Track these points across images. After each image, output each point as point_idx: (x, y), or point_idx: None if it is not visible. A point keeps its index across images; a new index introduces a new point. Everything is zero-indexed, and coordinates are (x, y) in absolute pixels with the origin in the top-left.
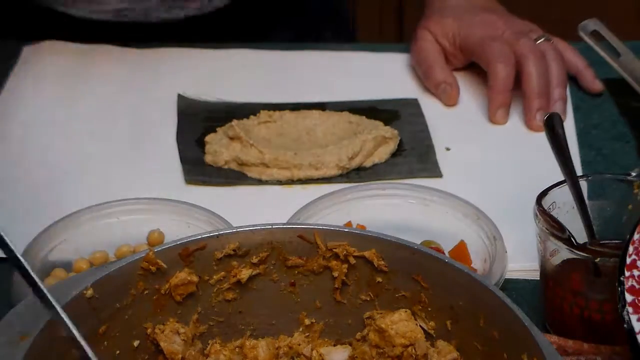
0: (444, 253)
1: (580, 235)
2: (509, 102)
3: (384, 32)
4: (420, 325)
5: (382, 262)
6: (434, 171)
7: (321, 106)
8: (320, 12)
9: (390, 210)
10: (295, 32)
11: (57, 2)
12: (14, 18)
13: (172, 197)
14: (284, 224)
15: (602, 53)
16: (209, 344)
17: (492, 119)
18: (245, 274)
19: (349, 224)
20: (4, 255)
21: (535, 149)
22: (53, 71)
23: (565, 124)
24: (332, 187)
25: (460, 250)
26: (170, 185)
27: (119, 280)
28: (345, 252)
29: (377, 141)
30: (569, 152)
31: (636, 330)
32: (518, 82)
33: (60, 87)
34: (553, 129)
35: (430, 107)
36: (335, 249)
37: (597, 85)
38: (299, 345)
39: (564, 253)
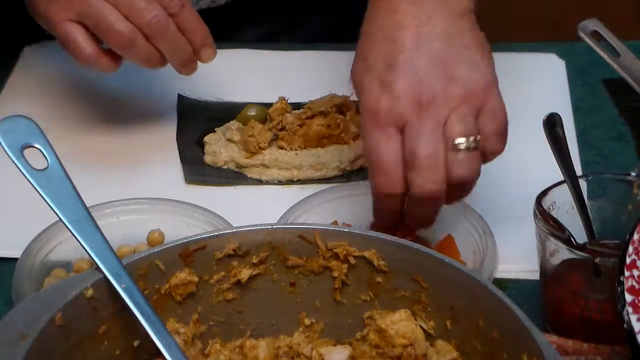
0: (431, 247)
1: (580, 235)
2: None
3: None
4: (420, 325)
5: (382, 262)
6: None
7: None
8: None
9: None
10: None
11: None
12: (14, 18)
13: (172, 197)
14: (284, 224)
15: (602, 53)
16: (209, 344)
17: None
18: (245, 274)
19: (334, 224)
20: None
21: (535, 149)
22: (53, 71)
23: (565, 124)
24: None
25: (448, 244)
26: (170, 185)
27: None
28: (345, 252)
29: None
30: (568, 152)
31: (636, 330)
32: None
33: (60, 88)
34: (553, 129)
35: None
36: (335, 249)
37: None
38: (299, 345)
39: (564, 253)
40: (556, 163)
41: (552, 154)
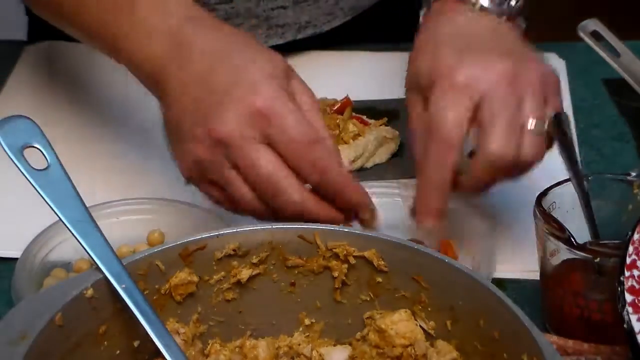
0: None
1: (580, 235)
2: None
3: None
4: (420, 325)
5: (382, 262)
6: None
7: None
8: None
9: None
10: None
11: None
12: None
13: (172, 197)
14: (284, 224)
15: (602, 53)
16: (209, 344)
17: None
18: (245, 274)
19: None
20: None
21: None
22: (53, 71)
23: None
24: None
25: (447, 245)
26: (170, 185)
27: None
28: (345, 252)
29: (378, 141)
30: (575, 152)
31: (636, 330)
32: None
33: (60, 88)
34: (561, 129)
35: None
36: (335, 249)
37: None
38: (299, 345)
39: (564, 253)
40: (556, 163)
41: (551, 154)
